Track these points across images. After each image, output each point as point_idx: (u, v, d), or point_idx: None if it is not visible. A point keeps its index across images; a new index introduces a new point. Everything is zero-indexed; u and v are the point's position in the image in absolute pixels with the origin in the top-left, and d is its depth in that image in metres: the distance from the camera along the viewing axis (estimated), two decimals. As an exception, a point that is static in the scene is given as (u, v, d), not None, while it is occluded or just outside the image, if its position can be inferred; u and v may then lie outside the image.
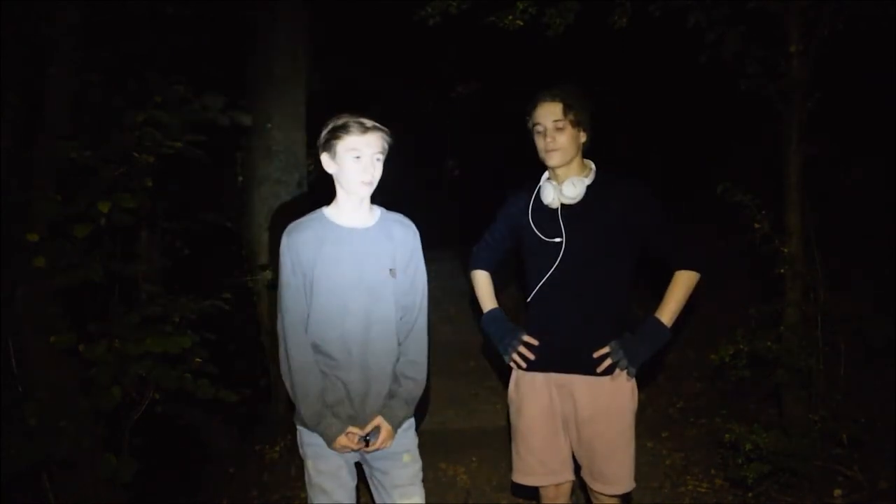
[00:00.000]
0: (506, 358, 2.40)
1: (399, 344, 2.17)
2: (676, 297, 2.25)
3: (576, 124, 2.26)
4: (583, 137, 2.30)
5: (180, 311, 3.15)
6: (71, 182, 2.93)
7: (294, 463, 3.90)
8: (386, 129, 2.08)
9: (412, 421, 2.23)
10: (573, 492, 2.48)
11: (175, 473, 3.96)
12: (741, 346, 3.15)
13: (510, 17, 3.85)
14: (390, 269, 2.12)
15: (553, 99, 2.25)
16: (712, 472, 3.47)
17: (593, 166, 2.36)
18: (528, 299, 2.38)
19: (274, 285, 4.33)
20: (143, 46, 3.59)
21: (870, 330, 3.35)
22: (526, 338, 2.35)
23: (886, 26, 3.40)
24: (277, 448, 4.13)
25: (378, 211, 2.19)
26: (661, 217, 2.26)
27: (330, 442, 2.10)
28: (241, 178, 4.69)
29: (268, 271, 4.29)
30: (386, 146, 2.09)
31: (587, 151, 2.36)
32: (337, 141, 2.04)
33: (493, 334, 2.44)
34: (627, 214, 2.25)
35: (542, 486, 2.41)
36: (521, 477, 2.41)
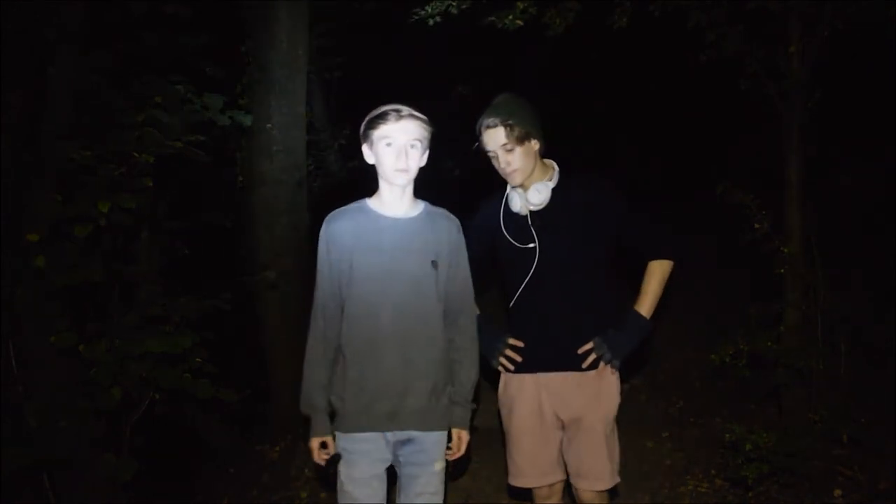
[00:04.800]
0: (493, 362, 2.41)
1: (453, 343, 2.16)
2: (652, 289, 2.30)
3: (523, 139, 2.26)
4: (536, 145, 2.31)
5: (180, 311, 3.15)
6: (71, 182, 2.93)
7: (294, 463, 3.89)
8: (424, 117, 2.07)
9: (446, 431, 2.20)
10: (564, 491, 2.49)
11: (175, 473, 3.96)
12: (741, 346, 3.16)
13: (510, 17, 3.85)
14: (433, 261, 2.09)
15: (494, 125, 2.26)
16: (712, 472, 3.46)
17: (556, 167, 2.39)
18: (510, 304, 2.41)
19: (274, 286, 4.36)
20: (144, 46, 3.59)
21: (870, 330, 3.34)
22: (511, 340, 2.37)
23: (886, 26, 3.40)
24: (277, 448, 4.12)
25: (422, 204, 2.18)
26: (629, 209, 2.30)
27: (309, 437, 2.10)
28: (241, 178, 4.68)
29: (268, 271, 4.27)
30: (425, 134, 2.08)
31: (546, 151, 2.37)
32: (373, 130, 2.05)
33: (479, 339, 2.44)
34: (595, 211, 2.28)
35: (534, 487, 2.43)
36: (515, 479, 2.43)
